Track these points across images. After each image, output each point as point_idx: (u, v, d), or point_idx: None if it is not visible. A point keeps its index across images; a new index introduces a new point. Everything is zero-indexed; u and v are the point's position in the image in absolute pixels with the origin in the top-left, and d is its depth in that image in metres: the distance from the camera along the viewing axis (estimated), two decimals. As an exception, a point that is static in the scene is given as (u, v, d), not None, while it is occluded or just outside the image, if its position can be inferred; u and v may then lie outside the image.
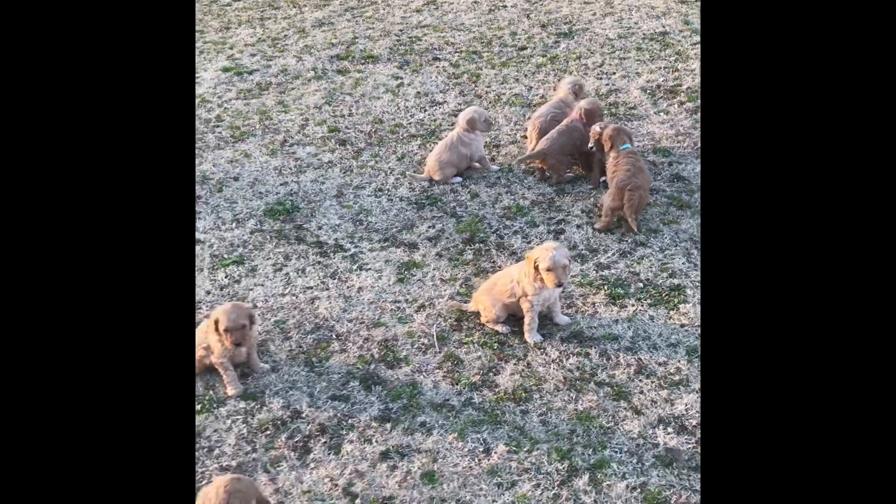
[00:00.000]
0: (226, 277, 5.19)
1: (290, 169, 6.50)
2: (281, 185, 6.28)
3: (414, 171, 6.29)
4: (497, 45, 8.88)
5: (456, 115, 7.18)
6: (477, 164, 6.26)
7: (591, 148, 5.80)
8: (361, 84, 8.05)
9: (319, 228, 5.71)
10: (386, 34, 9.24)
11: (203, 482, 3.63)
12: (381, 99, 7.73)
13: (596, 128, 5.63)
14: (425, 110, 7.45)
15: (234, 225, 5.77)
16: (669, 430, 3.83)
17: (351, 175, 6.38)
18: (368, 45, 8.95)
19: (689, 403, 3.96)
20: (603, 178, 5.95)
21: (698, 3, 9.60)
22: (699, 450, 3.54)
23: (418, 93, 7.82)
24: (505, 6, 10.07)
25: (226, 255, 5.43)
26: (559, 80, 7.13)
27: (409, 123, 7.19)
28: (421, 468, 3.71)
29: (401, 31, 9.35)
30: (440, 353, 4.40)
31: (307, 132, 7.08)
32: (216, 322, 4.00)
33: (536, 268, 4.14)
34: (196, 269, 5.23)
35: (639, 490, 3.54)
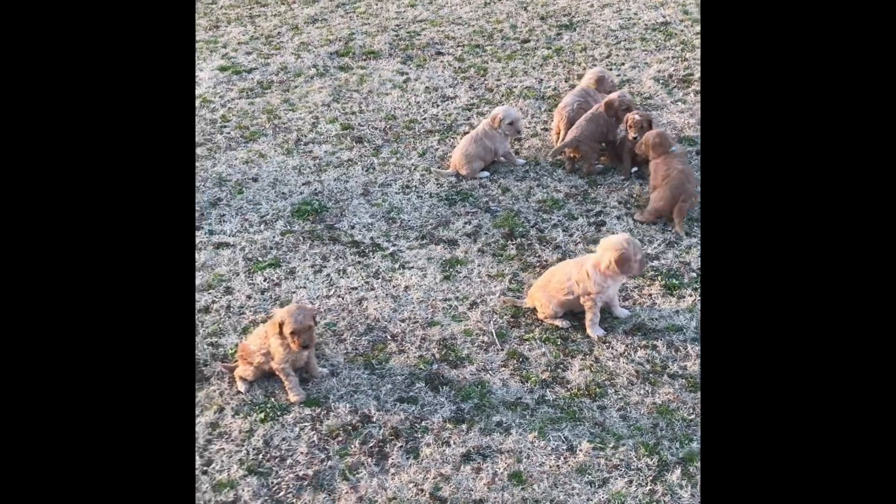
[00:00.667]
0: (264, 281, 5.03)
1: (310, 168, 6.33)
2: (303, 184, 6.11)
3: (438, 167, 6.17)
4: (499, 38, 8.79)
5: (468, 110, 7.10)
6: (502, 159, 6.16)
7: (621, 136, 5.74)
8: (367, 80, 7.90)
9: (352, 228, 5.56)
10: (383, 29, 9.09)
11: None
12: (390, 95, 7.60)
13: (633, 116, 5.57)
14: (437, 105, 7.33)
15: (262, 227, 5.59)
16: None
17: (374, 173, 6.24)
18: (367, 41, 8.80)
19: None
20: (635, 169, 5.89)
21: (694, -7, 9.62)
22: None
23: (427, 87, 7.70)
24: (496, 0, 9.96)
25: (260, 259, 5.26)
26: (584, 71, 7.05)
27: (424, 119, 7.07)
28: (507, 469, 3.61)
29: (398, 25, 9.21)
30: (502, 350, 4.30)
31: (320, 130, 6.92)
32: (280, 325, 3.84)
33: (609, 264, 4.06)
34: (231, 273, 5.06)
35: (735, 482, 3.46)
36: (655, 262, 4.93)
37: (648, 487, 3.49)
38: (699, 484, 3.29)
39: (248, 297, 4.90)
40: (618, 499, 3.44)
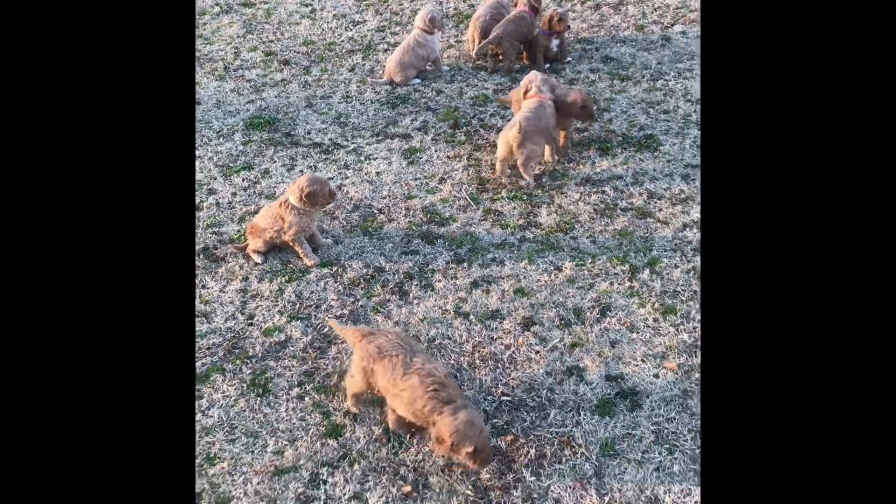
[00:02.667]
0: (243, 181, 5.52)
1: (248, 89, 6.78)
2: (247, 102, 6.57)
3: (372, 78, 6.79)
4: (389, -30, 9.35)
5: (381, 31, 7.71)
6: (430, 67, 6.86)
7: (537, 34, 6.62)
8: (273, 13, 8.32)
9: (308, 133, 6.11)
10: (275, -32, 9.43)
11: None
12: (301, 24, 8.07)
13: (555, 11, 6.45)
14: (350, 29, 7.89)
15: (221, 140, 6.04)
16: (695, 230, 4.78)
17: (311, 88, 6.77)
18: (262, -21, 9.14)
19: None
20: (548, 65, 6.78)
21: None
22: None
23: (335, 15, 8.22)
24: (379, -63, 10.47)
25: (231, 164, 5.72)
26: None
27: (341, 41, 7.62)
28: (511, 287, 4.41)
29: (288, -36, 9.56)
30: (479, 209, 5.06)
31: (244, 58, 7.34)
32: (300, 190, 4.41)
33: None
34: (208, 177, 5.52)
35: (691, 272, 4.45)
36: (586, 134, 5.83)
37: (627, 285, 4.39)
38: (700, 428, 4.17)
39: (233, 194, 5.38)
40: (605, 295, 4.32)
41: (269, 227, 4.55)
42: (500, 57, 6.66)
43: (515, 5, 6.90)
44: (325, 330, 4.11)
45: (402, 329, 4.04)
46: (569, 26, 6.53)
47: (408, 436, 3.45)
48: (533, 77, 5.33)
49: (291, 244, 4.58)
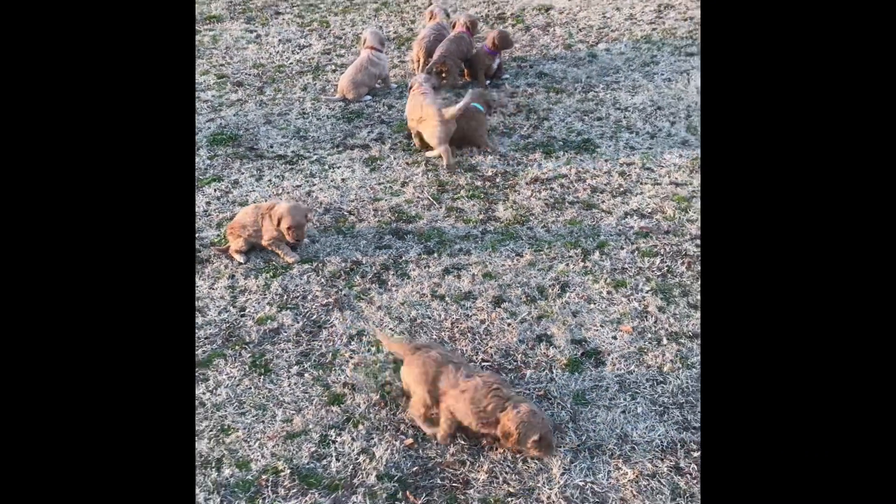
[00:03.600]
0: (215, 191, 5.91)
1: (206, 109, 7.17)
2: (207, 121, 6.96)
3: (326, 96, 7.28)
4: (327, -2, 9.88)
5: (327, 54, 8.23)
6: (379, 84, 7.40)
7: (475, 53, 7.26)
8: (219, 39, 8.74)
9: (271, 147, 6.55)
10: (214, -1, 9.86)
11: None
12: (248, 49, 8.51)
13: (496, 32, 7.11)
14: (296, 53, 8.37)
15: (188, 155, 6.41)
16: (635, 217, 5.42)
17: (267, 106, 7.21)
18: (204, 8, 9.57)
19: (640, 201, 5.57)
20: (488, 81, 7.42)
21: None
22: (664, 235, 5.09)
23: (280, 41, 8.69)
24: (313, -33, 11.02)
25: (200, 177, 6.11)
26: (429, 8, 8.40)
27: (290, 63, 8.09)
28: (479, 272, 4.94)
29: (226, -6, 10.00)
30: (441, 207, 5.60)
31: (198, 81, 7.72)
32: (279, 220, 4.86)
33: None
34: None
35: (636, 252, 5.09)
36: (530, 140, 6.46)
37: (581, 265, 4.98)
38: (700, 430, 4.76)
39: (207, 203, 5.76)
40: (563, 275, 4.90)
41: (250, 226, 4.94)
42: (444, 74, 7.23)
43: (454, 27, 7.51)
44: (315, 316, 4.54)
45: (384, 310, 4.47)
46: (513, 44, 7.14)
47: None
48: (418, 78, 6.21)
49: (268, 247, 4.98)
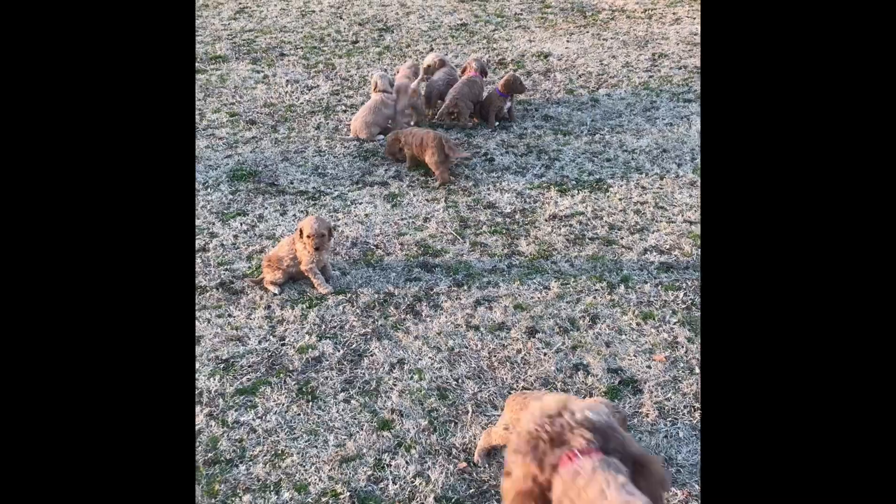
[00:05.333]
0: (241, 225, 6.05)
1: (221, 146, 7.34)
2: (225, 157, 7.12)
3: (339, 135, 7.48)
4: (330, 41, 10.19)
5: (336, 95, 8.47)
6: (390, 124, 7.64)
7: (490, 94, 7.54)
8: (227, 79, 8.94)
9: (291, 183, 6.71)
10: (217, 39, 10.11)
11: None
12: (256, 89, 8.71)
13: (510, 75, 7.38)
14: (305, 93, 8.59)
15: (210, 190, 6.56)
16: (654, 253, 5.67)
17: (283, 144, 7.40)
18: (208, 49, 9.79)
19: (657, 238, 5.81)
20: (497, 123, 7.69)
21: (476, 2, 11.73)
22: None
23: (287, 81, 8.91)
24: (313, 11, 11.35)
25: (225, 211, 6.25)
26: (419, 60, 8.68)
27: (300, 104, 8.30)
28: (510, 304, 5.13)
29: (229, 35, 10.28)
30: (465, 242, 5.80)
31: (210, 119, 7.90)
32: (301, 230, 5.04)
33: None
34: (206, 223, 5.99)
35: (659, 286, 5.32)
36: (542, 179, 6.71)
37: (608, 298, 5.19)
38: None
39: (235, 236, 5.89)
40: (591, 307, 5.10)
41: (286, 257, 5.08)
42: (456, 116, 7.48)
43: (464, 71, 7.79)
44: (354, 345, 4.67)
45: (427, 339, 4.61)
46: (525, 89, 7.42)
47: None
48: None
49: (306, 273, 5.12)
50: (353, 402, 4.22)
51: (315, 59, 9.54)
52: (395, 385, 4.33)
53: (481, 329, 4.76)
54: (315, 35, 10.40)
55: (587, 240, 5.68)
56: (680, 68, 9.01)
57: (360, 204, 6.19)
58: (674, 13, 11.15)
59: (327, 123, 7.68)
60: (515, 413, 3.63)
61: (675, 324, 4.77)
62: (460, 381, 4.35)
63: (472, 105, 7.42)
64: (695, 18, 10.86)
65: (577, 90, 8.44)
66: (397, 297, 5.07)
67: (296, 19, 11.03)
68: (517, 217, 5.97)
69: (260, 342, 4.66)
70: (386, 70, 8.96)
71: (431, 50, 9.56)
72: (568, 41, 9.99)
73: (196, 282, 5.22)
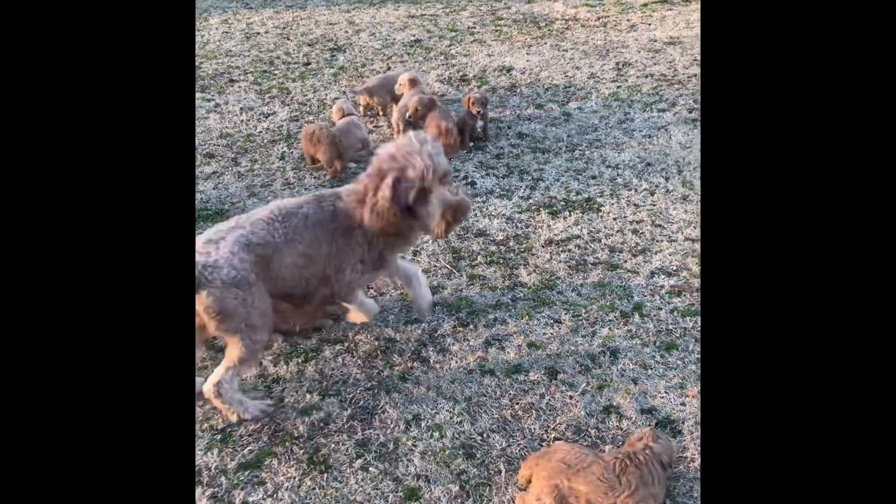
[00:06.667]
0: None
1: (181, 183, 6.80)
2: (186, 196, 6.58)
3: (307, 166, 7.04)
4: (280, 64, 9.72)
5: (295, 121, 8.02)
6: (358, 149, 7.22)
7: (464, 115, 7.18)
8: (176, 109, 8.36)
9: None
10: (164, 65, 9.51)
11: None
12: (209, 118, 8.20)
13: (473, 94, 7.04)
14: (262, 121, 8.11)
15: (175, 233, 6.03)
16: (662, 275, 5.38)
17: (247, 178, 6.91)
18: (155, 76, 9.19)
19: (662, 259, 5.53)
20: (472, 143, 7.35)
21: (427, 17, 11.42)
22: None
23: (241, 109, 8.42)
24: (258, 33, 10.87)
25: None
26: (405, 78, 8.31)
27: (259, 132, 7.82)
28: (523, 342, 4.77)
29: (177, 61, 9.68)
30: (462, 275, 5.42)
31: (164, 153, 7.34)
32: None
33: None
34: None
35: (675, 312, 5.02)
36: (530, 201, 6.37)
37: (624, 329, 4.87)
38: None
39: (211, 284, 5.38)
40: (609, 340, 4.77)
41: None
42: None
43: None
44: (362, 402, 4.24)
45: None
46: (482, 110, 7.02)
47: None
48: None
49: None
50: (371, 469, 3.78)
51: (267, 83, 9.04)
52: (414, 446, 3.91)
53: (497, 373, 4.37)
54: (263, 58, 9.89)
55: (589, 265, 5.35)
56: (647, 77, 8.81)
57: (342, 240, 5.70)
58: (628, 20, 10.99)
59: (291, 153, 7.21)
60: (545, 481, 3.28)
61: (700, 353, 4.45)
62: (485, 435, 3.96)
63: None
64: (650, 24, 10.73)
65: (546, 104, 8.15)
66: (399, 342, 4.65)
67: (240, 42, 10.50)
68: (511, 244, 5.62)
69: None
70: (319, 113, 8.51)
71: (386, 69, 9.13)
72: (528, 53, 9.71)
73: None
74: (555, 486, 3.33)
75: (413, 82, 7.60)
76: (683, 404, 4.16)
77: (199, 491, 3.74)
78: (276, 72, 9.59)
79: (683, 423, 4.03)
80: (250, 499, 3.70)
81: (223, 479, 3.81)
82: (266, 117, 8.20)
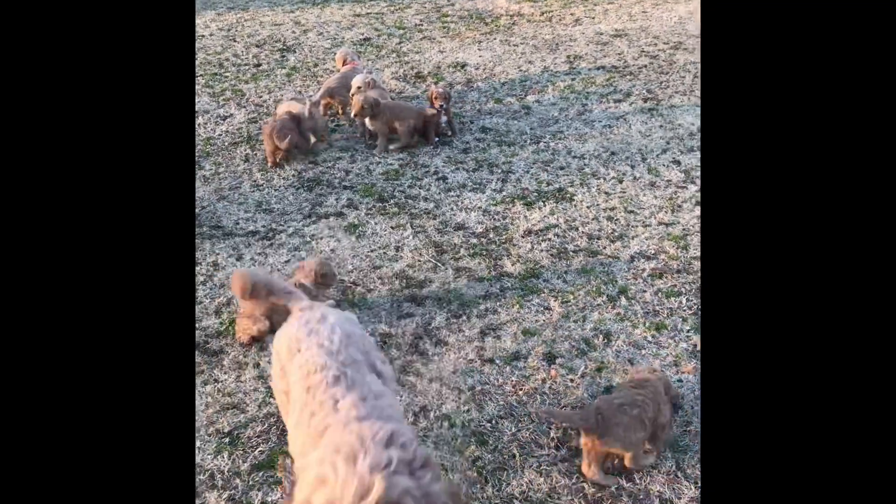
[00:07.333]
0: (200, 274, 5.49)
1: (146, 189, 6.68)
2: (154, 202, 6.48)
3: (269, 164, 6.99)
4: (230, 66, 9.61)
5: (254, 123, 7.96)
6: (315, 140, 7.16)
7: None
8: (129, 114, 8.20)
9: (236, 224, 6.18)
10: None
11: None
12: (165, 123, 8.04)
13: (436, 89, 7.10)
14: (220, 124, 8.01)
15: (148, 239, 5.94)
16: (642, 259, 5.54)
17: (213, 181, 6.83)
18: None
19: (639, 244, 5.67)
20: (437, 139, 7.41)
21: (372, 15, 11.42)
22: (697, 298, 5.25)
23: (197, 112, 8.29)
24: (202, 35, 10.71)
25: None
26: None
27: (219, 135, 7.73)
28: (518, 330, 4.86)
29: (123, 65, 9.47)
30: (448, 268, 5.49)
31: (124, 159, 7.20)
32: (315, 272, 4.62)
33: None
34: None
35: (659, 293, 5.19)
36: (504, 192, 6.47)
37: (613, 312, 5.00)
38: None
39: (203, 283, 5.33)
40: (600, 324, 4.89)
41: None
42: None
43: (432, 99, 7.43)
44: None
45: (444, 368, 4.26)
46: (445, 105, 7.08)
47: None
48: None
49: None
50: (386, 461, 3.78)
51: (219, 86, 8.92)
52: (426, 436, 3.95)
53: (496, 361, 4.45)
54: (212, 61, 9.74)
55: (571, 253, 5.48)
56: (599, 69, 9.01)
57: (322, 239, 5.73)
58: (571, 14, 11.21)
59: (255, 154, 7.15)
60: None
61: (688, 332, 4.64)
62: (494, 422, 4.04)
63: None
64: (594, 18, 10.97)
65: (504, 99, 8.26)
66: (396, 336, 4.69)
67: (186, 45, 10.25)
68: (492, 236, 5.70)
69: (260, 407, 4.17)
70: (300, 92, 8.46)
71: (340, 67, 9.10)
72: (479, 49, 9.81)
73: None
74: None
75: (373, 83, 7.58)
76: (680, 381, 4.29)
77: (214, 495, 3.70)
78: (227, 74, 9.46)
79: (683, 398, 4.17)
80: (268, 499, 3.68)
81: (238, 481, 3.78)
82: (223, 120, 8.09)
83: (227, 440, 4.00)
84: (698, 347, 4.49)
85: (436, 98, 7.04)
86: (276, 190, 6.50)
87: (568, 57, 9.36)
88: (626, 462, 3.68)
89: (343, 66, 8.16)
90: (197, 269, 5.42)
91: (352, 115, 7.11)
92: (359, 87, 7.36)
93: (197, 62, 9.61)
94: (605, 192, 6.30)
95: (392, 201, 6.23)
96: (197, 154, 7.19)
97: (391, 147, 7.03)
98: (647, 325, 4.70)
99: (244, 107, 8.30)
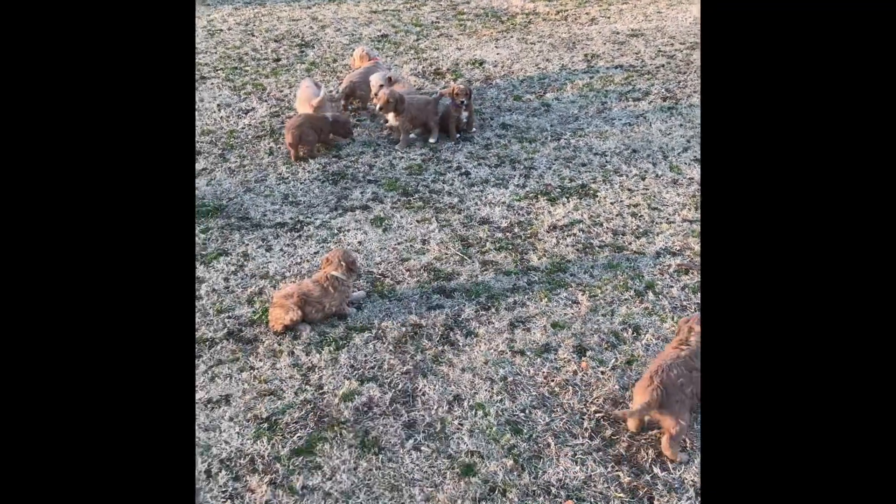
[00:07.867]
0: (228, 266, 5.56)
1: (172, 180, 6.75)
2: (180, 193, 6.55)
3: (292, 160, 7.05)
4: (250, 60, 9.67)
5: (276, 116, 8.02)
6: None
7: (444, 112, 7.30)
8: (151, 107, 8.27)
9: (264, 215, 6.25)
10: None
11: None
12: (187, 115, 8.10)
13: (458, 86, 7.16)
14: (242, 118, 8.07)
15: (177, 230, 6.00)
16: (667, 255, 5.61)
17: (239, 174, 6.90)
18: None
19: (664, 240, 5.71)
20: (459, 135, 7.47)
21: (389, 12, 11.48)
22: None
23: (219, 105, 8.36)
24: (221, 30, 10.77)
25: (203, 253, 5.73)
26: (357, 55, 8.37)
27: (242, 129, 7.79)
28: (547, 323, 4.93)
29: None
30: (475, 261, 5.56)
31: (148, 151, 7.27)
32: (344, 262, 4.69)
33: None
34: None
35: (686, 289, 5.25)
36: (527, 189, 6.54)
37: (641, 306, 5.07)
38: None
39: (225, 279, 5.40)
40: (629, 318, 4.96)
41: (319, 297, 4.71)
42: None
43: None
44: (401, 386, 4.33)
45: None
46: (466, 101, 7.13)
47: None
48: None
49: (340, 311, 4.74)
50: (423, 448, 3.89)
51: (240, 80, 8.98)
52: (461, 425, 4.03)
53: (527, 353, 4.52)
54: (231, 55, 9.81)
55: (596, 248, 5.54)
56: (616, 67, 9.07)
57: (349, 231, 5.80)
58: (587, 13, 11.27)
59: (279, 148, 7.21)
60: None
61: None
62: (528, 411, 4.11)
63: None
64: (609, 18, 11.02)
65: (524, 96, 8.33)
66: (426, 327, 4.76)
67: (204, 39, 10.38)
68: (516, 231, 5.78)
69: (297, 393, 4.24)
70: (319, 85, 8.51)
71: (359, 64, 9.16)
72: (497, 47, 9.88)
73: (200, 334, 4.70)
74: None
75: (364, 58, 7.68)
76: (710, 374, 4.35)
77: (255, 479, 3.77)
78: (247, 68, 9.52)
79: (713, 391, 4.22)
80: (310, 483, 3.76)
81: (278, 465, 3.85)
82: (245, 113, 8.15)
83: (265, 426, 4.07)
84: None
85: (457, 94, 7.10)
86: (301, 183, 6.57)
87: (585, 55, 9.42)
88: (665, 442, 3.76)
89: (362, 62, 8.21)
90: (227, 259, 5.49)
91: (376, 109, 7.17)
92: (381, 85, 7.41)
93: (216, 56, 9.68)
94: (629, 189, 6.36)
95: (416, 195, 6.30)
96: (221, 146, 7.25)
97: (430, 140, 7.08)
98: (676, 319, 4.77)
99: (266, 101, 8.37)
